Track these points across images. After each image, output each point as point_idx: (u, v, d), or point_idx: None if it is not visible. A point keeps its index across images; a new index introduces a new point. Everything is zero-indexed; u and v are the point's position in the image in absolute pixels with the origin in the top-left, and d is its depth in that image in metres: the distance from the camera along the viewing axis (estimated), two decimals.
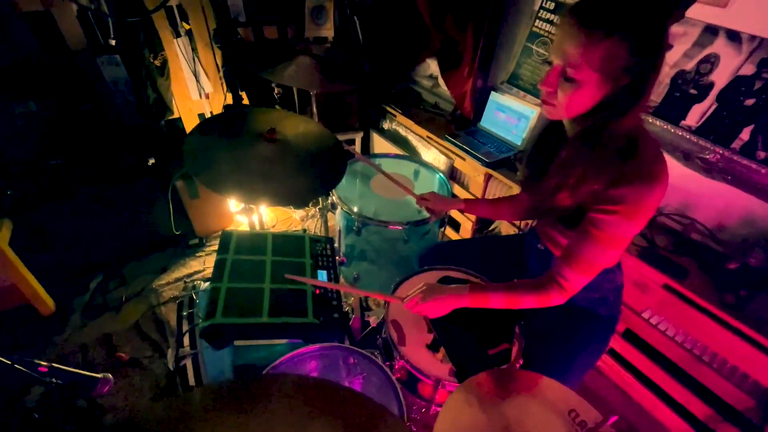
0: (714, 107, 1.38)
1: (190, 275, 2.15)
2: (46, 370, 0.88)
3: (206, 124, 1.34)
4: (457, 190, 2.26)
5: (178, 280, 2.11)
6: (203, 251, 2.29)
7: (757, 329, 1.20)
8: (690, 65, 1.41)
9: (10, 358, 0.85)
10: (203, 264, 2.22)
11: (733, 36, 1.30)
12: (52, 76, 1.78)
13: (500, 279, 1.32)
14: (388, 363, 1.05)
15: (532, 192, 1.09)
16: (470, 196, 2.20)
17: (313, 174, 1.28)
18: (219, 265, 1.08)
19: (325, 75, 1.59)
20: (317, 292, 1.10)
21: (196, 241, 2.32)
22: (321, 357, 0.99)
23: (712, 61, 1.36)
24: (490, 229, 2.19)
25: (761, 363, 1.22)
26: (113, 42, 1.95)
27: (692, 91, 1.42)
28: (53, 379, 0.89)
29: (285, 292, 1.06)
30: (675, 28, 1.39)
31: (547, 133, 1.00)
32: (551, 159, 0.98)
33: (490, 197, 2.08)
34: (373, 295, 1.07)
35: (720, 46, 1.33)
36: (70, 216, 1.91)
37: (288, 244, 1.23)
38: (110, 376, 1.00)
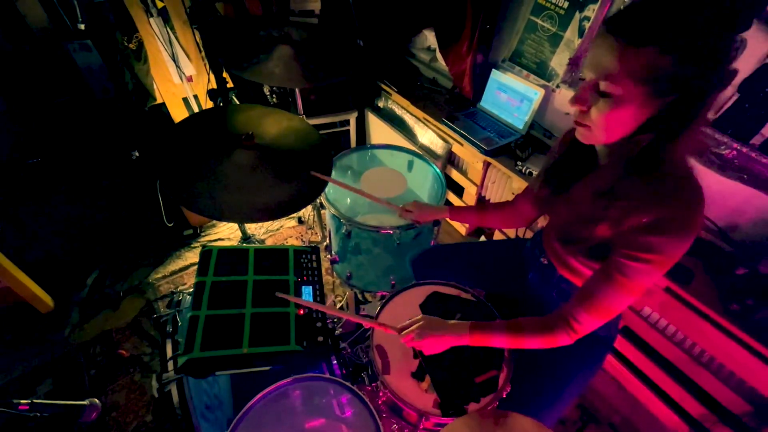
0: (735, 98, 1.25)
1: (185, 267, 2.14)
2: (27, 407, 0.87)
3: (178, 129, 1.25)
4: (456, 176, 2.16)
5: (174, 273, 2.10)
6: (198, 242, 2.26)
7: (762, 341, 1.15)
8: None
9: None
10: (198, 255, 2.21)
11: (766, 18, 1.14)
12: (18, 68, 1.67)
13: (496, 290, 1.27)
14: (374, 384, 1.03)
15: (555, 214, 0.99)
16: (468, 184, 2.11)
17: (297, 180, 1.21)
18: (198, 290, 1.05)
19: (309, 67, 1.46)
20: (300, 312, 1.07)
21: (191, 231, 2.29)
22: (303, 385, 0.97)
23: (737, 46, 1.20)
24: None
25: (762, 373, 1.18)
26: (82, 26, 1.81)
27: None
28: (36, 414, 0.90)
29: (267, 317, 1.02)
30: None
31: (575, 147, 0.88)
32: (577, 177, 0.89)
33: (490, 185, 1.99)
34: (366, 323, 1.03)
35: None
36: (57, 213, 1.88)
37: (271, 259, 1.18)
38: (97, 401, 1.00)
